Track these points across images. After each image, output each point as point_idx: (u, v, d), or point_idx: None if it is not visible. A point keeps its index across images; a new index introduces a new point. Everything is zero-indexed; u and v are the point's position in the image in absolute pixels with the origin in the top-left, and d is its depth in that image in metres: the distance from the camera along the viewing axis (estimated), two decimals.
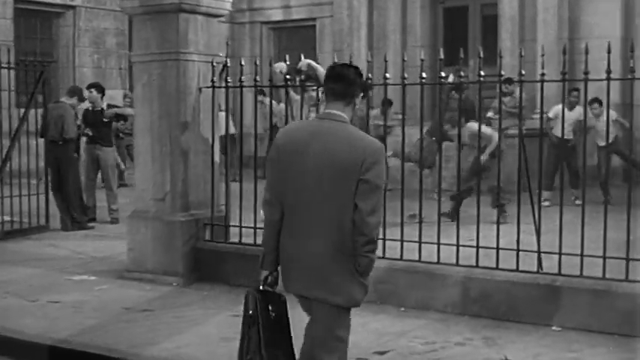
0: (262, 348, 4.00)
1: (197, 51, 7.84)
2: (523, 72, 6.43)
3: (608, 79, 6.06)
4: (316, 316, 4.01)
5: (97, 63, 19.07)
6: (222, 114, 17.28)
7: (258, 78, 7.56)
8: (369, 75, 6.98)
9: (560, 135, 12.38)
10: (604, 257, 6.00)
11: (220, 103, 8.32)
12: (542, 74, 6.28)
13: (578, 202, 11.88)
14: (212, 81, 7.79)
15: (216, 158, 8.00)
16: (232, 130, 17.47)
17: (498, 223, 6.58)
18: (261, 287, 4.10)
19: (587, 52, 6.05)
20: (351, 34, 18.63)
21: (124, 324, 6.42)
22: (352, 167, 3.80)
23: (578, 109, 12.94)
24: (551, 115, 12.88)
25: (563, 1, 16.35)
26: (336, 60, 7.05)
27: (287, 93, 8.26)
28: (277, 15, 21.34)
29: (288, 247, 3.99)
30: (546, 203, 10.54)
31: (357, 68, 4.09)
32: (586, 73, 6.08)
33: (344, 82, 3.98)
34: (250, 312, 4.06)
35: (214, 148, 7.93)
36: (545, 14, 15.96)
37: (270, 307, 4.04)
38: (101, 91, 11.84)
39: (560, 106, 13.16)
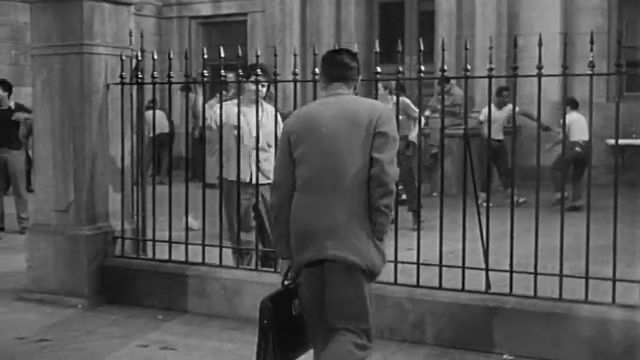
0: (278, 356, 3.98)
1: (104, 43, 6.96)
2: (469, 67, 5.73)
3: (565, 74, 5.40)
4: (331, 281, 3.86)
5: (15, 59, 17.88)
6: (158, 112, 16.56)
7: (172, 74, 6.75)
8: (296, 71, 6.23)
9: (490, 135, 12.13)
10: (560, 275, 5.32)
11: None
12: (491, 69, 5.58)
13: (521, 199, 11.34)
14: (121, 77, 6.92)
15: (127, 162, 7.13)
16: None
17: (419, 231, 5.87)
18: (285, 282, 4.11)
19: (540, 45, 5.37)
20: (283, 30, 17.91)
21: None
22: (367, 123, 3.83)
23: (508, 108, 12.47)
24: (481, 118, 12.43)
25: None
26: (258, 53, 6.25)
27: (187, 95, 7.44)
28: (206, 9, 20.51)
29: (302, 219, 3.89)
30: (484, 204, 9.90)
31: (351, 51, 4.18)
32: (539, 67, 5.40)
33: (341, 66, 4.06)
34: (265, 321, 4.00)
35: (125, 151, 7.06)
36: (484, 9, 15.43)
37: (293, 304, 4.05)
38: (8, 88, 10.85)
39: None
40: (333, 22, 17.26)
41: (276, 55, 6.13)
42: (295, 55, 6.27)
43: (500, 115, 12.55)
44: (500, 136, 12.61)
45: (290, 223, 3.94)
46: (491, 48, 5.64)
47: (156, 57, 6.80)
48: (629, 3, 15.45)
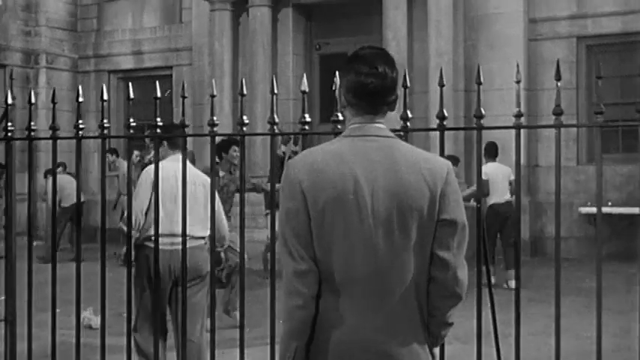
0: None
1: None
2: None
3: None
4: None
5: None
6: (66, 177, 14.33)
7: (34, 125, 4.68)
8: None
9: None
10: None
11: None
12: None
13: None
14: None
15: None
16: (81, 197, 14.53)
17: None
18: None
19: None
20: (212, 85, 15.94)
21: None
22: (427, 205, 2.73)
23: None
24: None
25: (459, 46, 14.22)
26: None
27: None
28: (127, 63, 18.57)
29: (340, 333, 2.77)
30: None
31: (390, 56, 2.83)
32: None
33: (382, 85, 2.76)
34: None
35: None
36: (439, 61, 13.69)
37: None
38: None
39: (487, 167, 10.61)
40: (268, 76, 15.39)
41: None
42: (213, 96, 4.32)
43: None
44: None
45: (317, 331, 2.84)
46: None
47: (11, 102, 4.71)
48: (600, 55, 13.94)
